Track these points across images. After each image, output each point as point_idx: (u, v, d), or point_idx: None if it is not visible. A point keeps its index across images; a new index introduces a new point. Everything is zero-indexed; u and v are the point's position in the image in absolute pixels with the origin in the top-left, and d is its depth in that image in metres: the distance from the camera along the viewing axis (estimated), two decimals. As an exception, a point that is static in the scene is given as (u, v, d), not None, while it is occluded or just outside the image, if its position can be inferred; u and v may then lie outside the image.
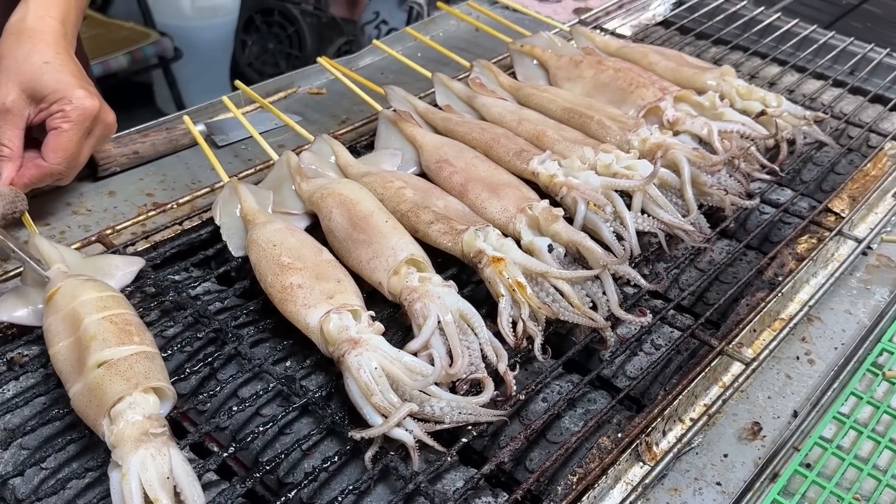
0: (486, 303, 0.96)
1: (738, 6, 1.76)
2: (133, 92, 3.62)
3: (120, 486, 0.71)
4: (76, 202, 1.17)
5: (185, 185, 1.22)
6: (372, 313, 0.89)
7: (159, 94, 3.77)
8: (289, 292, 0.92)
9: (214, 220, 1.07)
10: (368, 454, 0.80)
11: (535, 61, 1.44)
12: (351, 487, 0.78)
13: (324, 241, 1.03)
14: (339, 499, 0.77)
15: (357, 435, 0.79)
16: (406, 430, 0.80)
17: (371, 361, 0.82)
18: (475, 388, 0.87)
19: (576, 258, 1.00)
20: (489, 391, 0.85)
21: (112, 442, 0.74)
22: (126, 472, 0.71)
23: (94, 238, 1.06)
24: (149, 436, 0.73)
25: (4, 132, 1.00)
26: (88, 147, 1.05)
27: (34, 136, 1.05)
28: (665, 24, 1.75)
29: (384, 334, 0.87)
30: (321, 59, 1.41)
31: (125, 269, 1.00)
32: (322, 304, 0.90)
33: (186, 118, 1.25)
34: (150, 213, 1.13)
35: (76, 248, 1.04)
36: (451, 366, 0.85)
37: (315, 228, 1.07)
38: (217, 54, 3.71)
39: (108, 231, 1.08)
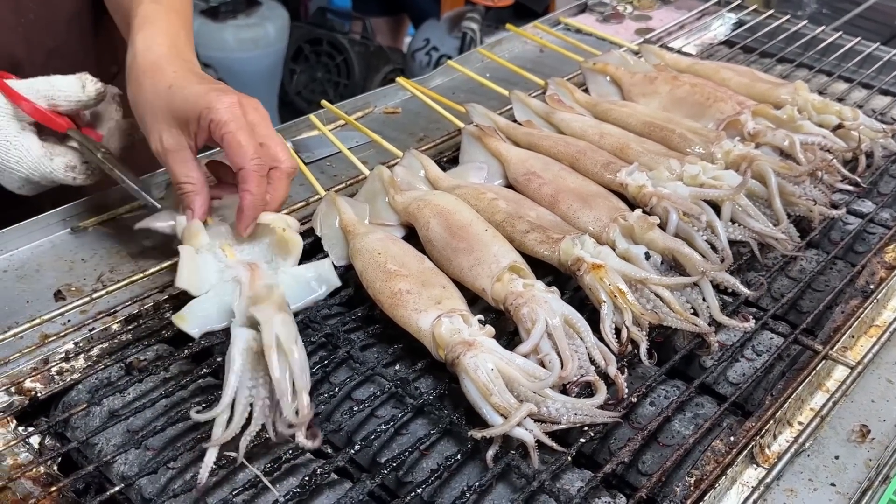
0: (581, 312, 0.97)
1: (799, 26, 1.78)
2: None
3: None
4: (176, 217, 1.20)
5: (278, 200, 1.24)
6: (481, 317, 0.91)
7: (202, 125, 3.84)
8: (398, 298, 0.94)
9: (315, 231, 1.10)
10: (490, 453, 0.81)
11: (608, 78, 1.47)
12: (473, 486, 0.79)
13: (420, 250, 1.05)
14: (463, 497, 0.78)
15: (478, 434, 0.81)
16: (526, 429, 0.81)
17: (487, 363, 0.84)
18: (585, 390, 0.89)
19: (672, 265, 1.02)
20: (602, 393, 0.86)
21: None
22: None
23: (202, 249, 1.08)
24: None
25: (178, 170, 0.99)
26: (262, 132, 0.99)
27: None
28: (728, 43, 1.78)
29: (490, 339, 0.88)
30: (400, 80, 1.45)
31: None
32: (432, 308, 0.92)
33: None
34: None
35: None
36: (561, 368, 0.86)
37: (409, 239, 1.09)
38: (261, 85, 3.77)
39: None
